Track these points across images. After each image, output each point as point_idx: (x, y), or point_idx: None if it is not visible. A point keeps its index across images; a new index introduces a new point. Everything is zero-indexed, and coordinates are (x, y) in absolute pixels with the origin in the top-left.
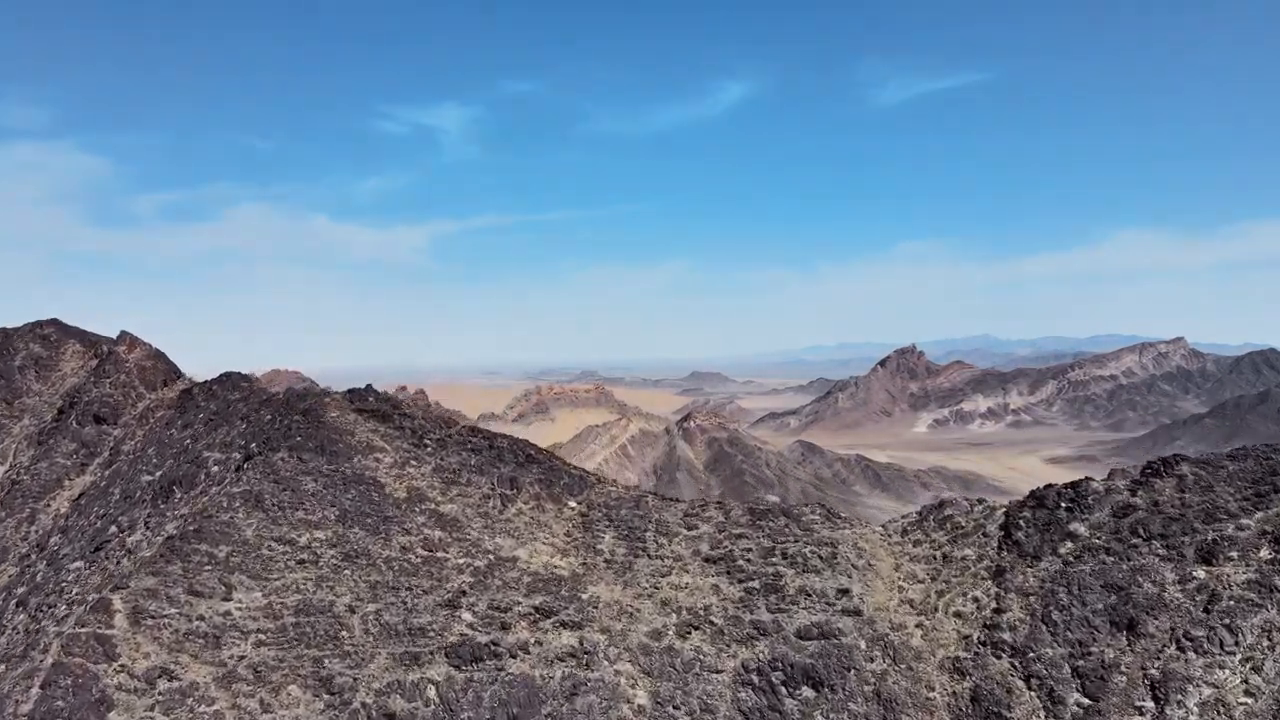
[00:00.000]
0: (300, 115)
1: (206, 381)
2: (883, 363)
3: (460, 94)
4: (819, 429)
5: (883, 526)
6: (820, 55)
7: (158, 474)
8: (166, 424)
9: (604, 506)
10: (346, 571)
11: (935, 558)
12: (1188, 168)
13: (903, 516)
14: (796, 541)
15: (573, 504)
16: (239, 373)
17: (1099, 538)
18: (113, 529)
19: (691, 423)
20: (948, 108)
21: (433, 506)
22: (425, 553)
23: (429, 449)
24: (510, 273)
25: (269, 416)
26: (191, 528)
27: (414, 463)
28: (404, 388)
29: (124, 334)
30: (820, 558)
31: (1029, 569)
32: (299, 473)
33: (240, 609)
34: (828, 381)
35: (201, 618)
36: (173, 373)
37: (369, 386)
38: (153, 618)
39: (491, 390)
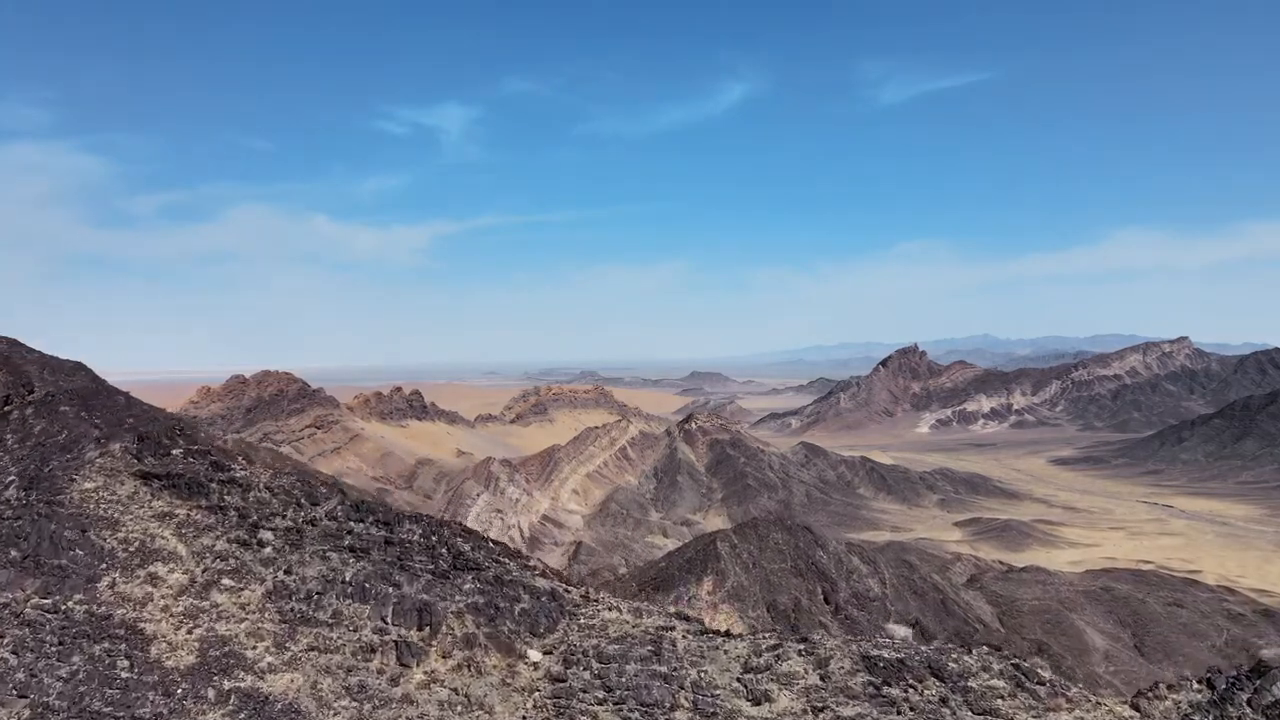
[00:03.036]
0: (300, 115)
1: (31, 398)
2: (884, 362)
3: (461, 94)
4: (820, 430)
5: (1135, 708)
6: (820, 55)
7: None
8: None
9: (595, 656)
10: None
11: None
12: (1187, 167)
13: (1166, 688)
14: None
15: (535, 655)
16: (71, 388)
17: None
18: None
19: (693, 424)
20: (948, 108)
21: (250, 683)
22: None
23: (269, 549)
24: (510, 273)
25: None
26: None
27: (231, 580)
28: (399, 388)
29: None
30: None
31: None
32: None
33: None
34: (828, 381)
35: None
36: (23, 385)
37: (180, 428)
38: None
39: (490, 390)
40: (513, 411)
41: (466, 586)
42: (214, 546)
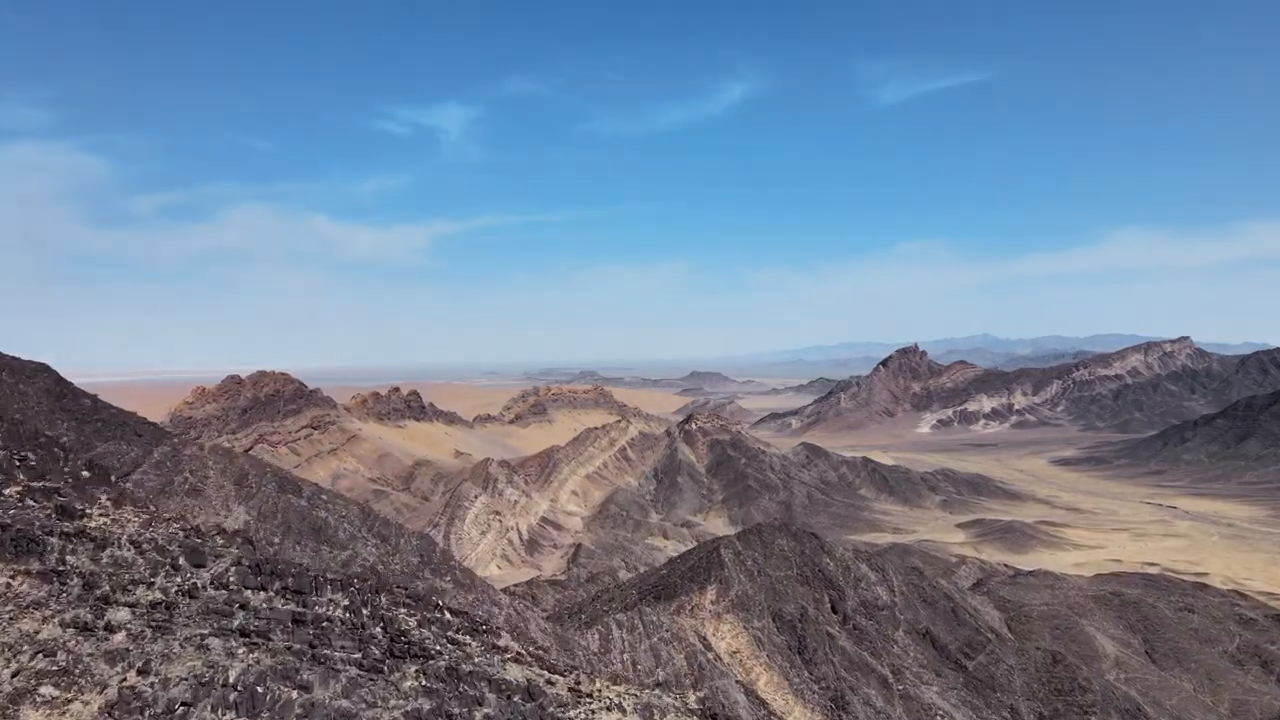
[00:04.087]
0: (300, 115)
1: None
2: (885, 362)
3: (461, 94)
4: (821, 430)
5: None
6: (821, 55)
7: None
8: None
9: None
10: None
11: None
12: (1187, 167)
13: None
14: None
15: None
16: None
17: None
18: None
19: (693, 425)
20: (948, 108)
21: None
22: None
23: (121, 634)
24: (510, 273)
25: None
26: None
27: (55, 686)
28: (397, 389)
29: None
30: None
31: None
32: None
33: None
34: (828, 381)
35: None
36: None
37: (20, 457)
38: None
39: (490, 390)
40: (512, 412)
41: (408, 684)
42: (38, 634)
